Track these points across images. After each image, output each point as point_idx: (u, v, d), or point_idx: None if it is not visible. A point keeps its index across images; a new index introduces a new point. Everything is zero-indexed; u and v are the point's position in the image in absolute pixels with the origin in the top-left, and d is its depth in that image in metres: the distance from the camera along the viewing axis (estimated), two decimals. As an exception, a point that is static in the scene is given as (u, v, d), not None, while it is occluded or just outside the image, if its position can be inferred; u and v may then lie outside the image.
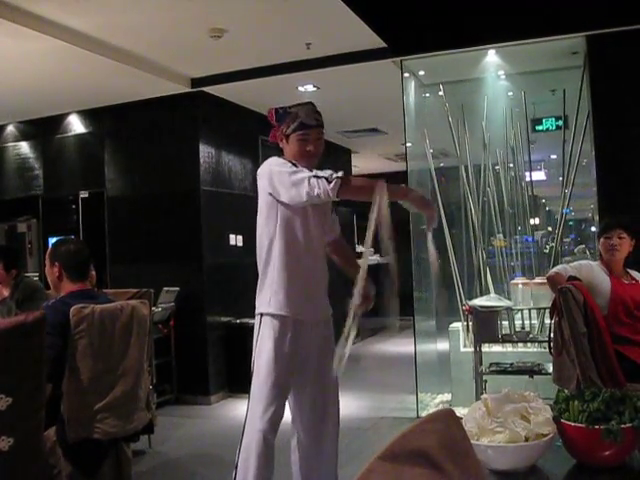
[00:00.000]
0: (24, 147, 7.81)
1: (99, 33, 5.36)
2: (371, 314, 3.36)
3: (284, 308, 3.04)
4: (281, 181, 2.96)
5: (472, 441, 1.55)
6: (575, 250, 8.86)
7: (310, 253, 3.12)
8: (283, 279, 3.05)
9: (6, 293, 4.52)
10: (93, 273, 5.09)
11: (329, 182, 2.84)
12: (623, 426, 1.67)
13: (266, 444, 2.96)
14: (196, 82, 6.73)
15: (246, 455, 2.99)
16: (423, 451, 0.78)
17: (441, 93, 6.44)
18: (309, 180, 2.86)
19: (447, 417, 0.87)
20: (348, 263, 3.45)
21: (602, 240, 4.13)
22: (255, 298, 3.16)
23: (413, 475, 0.76)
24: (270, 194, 3.03)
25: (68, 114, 7.44)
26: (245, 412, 3.08)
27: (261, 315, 3.09)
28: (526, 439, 1.71)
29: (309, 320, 3.10)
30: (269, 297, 3.07)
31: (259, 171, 3.12)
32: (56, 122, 7.52)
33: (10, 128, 7.89)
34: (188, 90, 6.74)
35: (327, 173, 2.88)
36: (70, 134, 7.50)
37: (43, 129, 7.64)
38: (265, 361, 3.02)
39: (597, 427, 1.68)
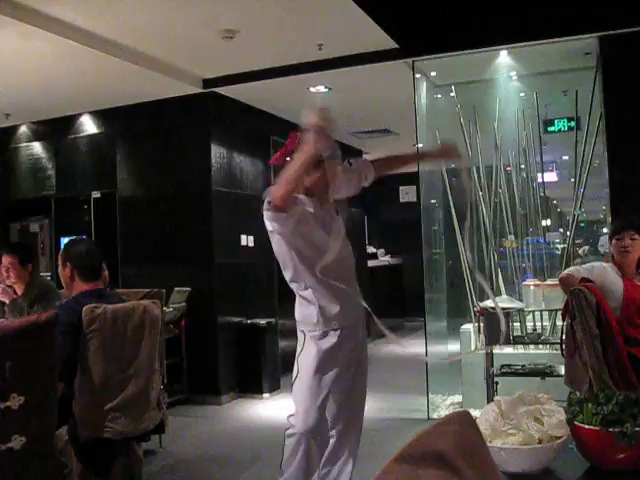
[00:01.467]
0: (37, 147, 7.85)
1: (111, 34, 5.38)
2: (380, 315, 3.34)
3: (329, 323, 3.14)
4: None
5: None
6: (580, 251, 8.83)
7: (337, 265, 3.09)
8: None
9: (19, 292, 4.53)
10: (106, 273, 5.10)
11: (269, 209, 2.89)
12: (638, 429, 1.66)
13: (308, 444, 3.08)
14: (208, 83, 6.74)
15: (288, 455, 3.12)
16: (439, 453, 0.78)
17: (453, 94, 6.43)
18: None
19: (463, 419, 0.86)
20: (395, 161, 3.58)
21: (614, 241, 4.11)
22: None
23: (429, 477, 0.75)
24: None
25: (81, 115, 7.47)
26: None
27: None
28: (539, 441, 1.70)
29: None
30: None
31: None
32: (69, 122, 7.55)
33: (23, 128, 7.93)
34: (200, 91, 6.75)
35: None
36: (82, 134, 7.53)
37: (56, 129, 7.67)
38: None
39: (611, 430, 1.67)
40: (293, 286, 3.18)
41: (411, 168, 5.84)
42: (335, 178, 3.09)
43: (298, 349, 3.18)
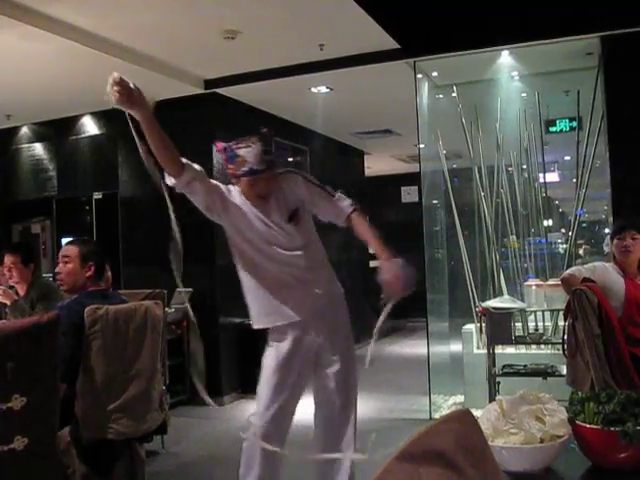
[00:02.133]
0: (38, 148, 7.85)
1: (112, 34, 5.38)
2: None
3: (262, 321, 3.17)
4: None
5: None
6: (581, 251, 8.83)
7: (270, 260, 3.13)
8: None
9: (22, 292, 4.53)
10: (109, 274, 5.11)
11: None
12: (639, 428, 1.66)
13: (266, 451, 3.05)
14: (209, 83, 6.74)
15: (245, 462, 3.28)
16: (440, 451, 0.78)
17: (454, 94, 6.43)
18: None
19: (464, 417, 0.86)
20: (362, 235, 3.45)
21: (615, 241, 4.11)
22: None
23: (430, 475, 0.75)
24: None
25: (82, 116, 7.48)
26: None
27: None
28: (541, 440, 1.70)
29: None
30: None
31: None
32: (70, 124, 7.55)
33: (24, 130, 7.94)
34: (201, 91, 6.76)
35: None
36: (84, 135, 7.53)
37: (57, 131, 7.68)
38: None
39: (613, 429, 1.67)
40: None
41: (413, 169, 5.85)
42: (267, 190, 3.06)
43: None
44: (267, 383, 3.10)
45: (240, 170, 3.01)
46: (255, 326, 3.19)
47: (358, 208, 3.18)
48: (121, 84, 2.72)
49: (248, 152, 2.99)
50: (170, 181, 3.05)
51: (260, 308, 3.17)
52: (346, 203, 3.14)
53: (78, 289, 3.33)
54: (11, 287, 4.60)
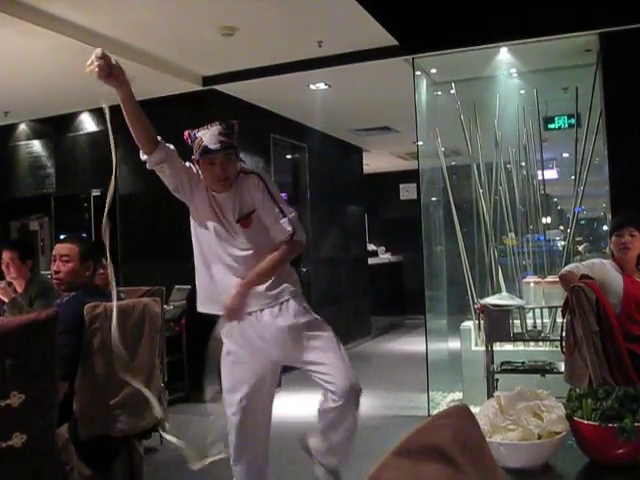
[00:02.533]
0: (36, 146, 7.85)
1: (110, 31, 5.37)
2: (380, 312, 3.32)
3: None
4: None
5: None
6: (580, 248, 8.84)
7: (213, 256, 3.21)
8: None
9: (19, 289, 4.52)
10: (108, 271, 5.10)
11: None
12: (637, 424, 1.66)
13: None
14: (207, 80, 6.74)
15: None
16: (437, 446, 0.78)
17: (453, 91, 6.43)
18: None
19: (461, 412, 0.86)
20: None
21: (614, 238, 4.11)
22: None
23: (427, 470, 0.75)
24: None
25: (80, 113, 7.47)
26: None
27: None
28: (539, 437, 1.70)
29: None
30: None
31: None
32: (68, 121, 7.55)
33: (22, 127, 7.93)
34: (199, 88, 6.75)
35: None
36: (82, 132, 7.53)
37: (55, 128, 7.67)
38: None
39: (610, 425, 1.67)
40: None
41: (411, 166, 5.83)
42: (225, 176, 3.12)
43: None
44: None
45: (197, 153, 3.12)
46: (198, 309, 3.30)
47: (290, 242, 3.10)
48: (103, 58, 2.79)
49: (205, 133, 3.12)
50: (142, 157, 3.16)
51: (203, 292, 3.29)
52: (285, 230, 3.10)
53: (75, 288, 3.32)
54: (10, 284, 4.60)
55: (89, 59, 2.81)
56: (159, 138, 3.13)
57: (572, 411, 1.78)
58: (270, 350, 3.19)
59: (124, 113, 3.03)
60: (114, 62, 2.84)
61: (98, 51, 2.80)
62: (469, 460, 0.79)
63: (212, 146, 3.06)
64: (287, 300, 3.16)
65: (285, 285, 3.17)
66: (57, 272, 3.36)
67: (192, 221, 3.29)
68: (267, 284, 3.13)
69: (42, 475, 2.76)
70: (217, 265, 3.17)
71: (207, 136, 3.10)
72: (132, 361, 3.29)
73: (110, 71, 2.84)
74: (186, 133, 3.24)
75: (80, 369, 3.08)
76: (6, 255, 4.53)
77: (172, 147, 3.17)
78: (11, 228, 8.09)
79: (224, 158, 3.11)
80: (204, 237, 3.21)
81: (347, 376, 3.04)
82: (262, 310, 3.16)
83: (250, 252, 3.13)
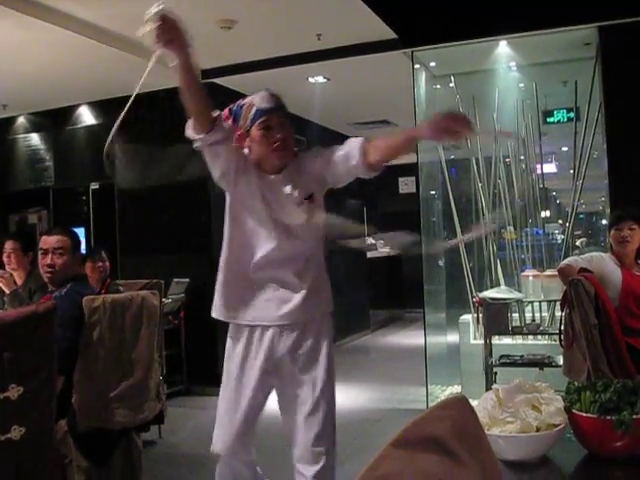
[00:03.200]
0: (35, 139, 7.84)
1: (109, 24, 5.36)
2: (379, 306, 3.24)
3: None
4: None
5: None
6: (578, 243, 8.86)
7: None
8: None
9: (19, 281, 4.52)
10: (107, 263, 5.12)
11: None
12: (635, 417, 1.66)
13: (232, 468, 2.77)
14: (206, 73, 6.71)
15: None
16: (436, 437, 0.78)
17: (452, 85, 6.42)
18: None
19: (459, 404, 0.86)
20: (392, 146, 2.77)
21: (613, 232, 4.11)
22: None
23: (426, 461, 0.75)
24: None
25: (78, 105, 7.46)
26: None
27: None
28: (537, 429, 1.70)
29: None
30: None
31: None
32: (66, 114, 7.54)
33: (21, 120, 7.92)
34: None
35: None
36: (80, 125, 7.52)
37: (53, 121, 7.66)
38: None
39: (609, 418, 1.68)
40: None
41: (410, 159, 5.84)
42: (285, 146, 2.68)
43: None
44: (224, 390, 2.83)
45: (249, 118, 2.67)
46: (219, 315, 2.80)
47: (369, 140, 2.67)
48: (164, 22, 2.37)
49: (253, 98, 2.72)
50: (193, 135, 2.61)
51: (231, 294, 2.80)
52: (356, 140, 2.70)
53: (66, 281, 3.28)
54: (10, 275, 4.61)
55: (146, 18, 2.37)
56: (215, 113, 2.62)
57: (570, 404, 1.78)
58: None
59: (181, 84, 2.56)
60: (176, 22, 2.40)
61: (157, 10, 2.36)
62: (467, 451, 0.79)
63: (266, 105, 2.66)
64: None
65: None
66: (51, 266, 3.25)
67: (228, 216, 2.78)
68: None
69: (41, 468, 2.77)
70: (257, 261, 2.72)
71: (257, 99, 2.70)
72: (131, 354, 3.29)
73: (171, 35, 2.39)
74: (225, 111, 2.76)
75: (79, 362, 3.09)
76: (9, 245, 4.53)
77: (227, 126, 2.68)
78: (10, 221, 8.09)
79: (282, 120, 2.70)
80: (245, 229, 2.73)
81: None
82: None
83: (304, 245, 2.74)
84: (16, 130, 7.96)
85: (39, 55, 5.72)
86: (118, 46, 5.62)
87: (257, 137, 2.66)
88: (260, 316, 2.72)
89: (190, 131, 2.61)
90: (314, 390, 2.70)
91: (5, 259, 4.53)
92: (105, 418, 3.11)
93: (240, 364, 2.76)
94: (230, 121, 2.73)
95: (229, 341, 2.81)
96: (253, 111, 2.66)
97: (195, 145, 2.64)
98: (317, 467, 2.63)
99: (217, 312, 2.80)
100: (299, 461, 2.69)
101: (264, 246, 2.70)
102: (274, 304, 2.71)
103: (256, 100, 2.69)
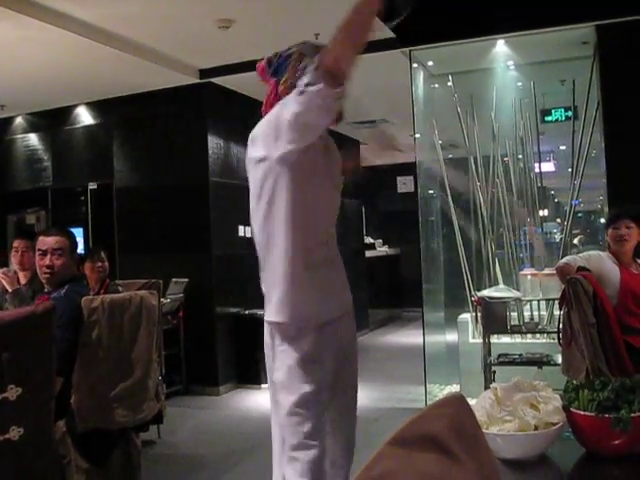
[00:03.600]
0: (33, 139, 7.83)
1: (107, 24, 5.36)
2: (378, 305, 3.14)
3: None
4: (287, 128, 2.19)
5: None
6: (575, 241, 8.88)
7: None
8: None
9: (23, 280, 4.53)
10: (106, 264, 5.12)
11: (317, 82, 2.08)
12: (633, 415, 1.67)
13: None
14: (204, 73, 6.72)
15: None
16: (433, 436, 0.78)
17: (450, 84, 6.42)
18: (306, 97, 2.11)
19: (457, 402, 0.86)
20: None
21: (610, 230, 4.10)
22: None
23: (423, 460, 0.75)
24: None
25: (76, 106, 7.46)
26: None
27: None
28: (535, 428, 1.71)
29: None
30: None
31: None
32: (64, 114, 7.54)
33: (19, 120, 7.92)
34: (196, 81, 6.74)
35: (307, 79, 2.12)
36: (79, 126, 7.51)
37: (52, 121, 7.66)
38: None
39: (607, 416, 1.68)
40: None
41: (408, 159, 5.82)
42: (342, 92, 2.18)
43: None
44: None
45: (299, 69, 2.35)
46: (301, 321, 2.33)
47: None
48: None
49: (299, 46, 2.48)
50: (335, 89, 2.11)
51: (312, 291, 2.34)
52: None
53: (63, 282, 3.28)
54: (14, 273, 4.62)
55: None
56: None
57: (569, 402, 1.78)
58: None
59: (363, 30, 2.22)
60: None
61: None
62: (464, 449, 0.79)
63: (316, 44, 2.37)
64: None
65: None
66: (50, 267, 3.22)
67: (292, 197, 2.26)
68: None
69: (39, 468, 2.77)
70: (328, 241, 2.42)
71: (306, 47, 2.48)
72: (130, 354, 3.29)
73: None
74: (261, 64, 2.54)
75: (78, 362, 3.09)
76: (22, 244, 4.52)
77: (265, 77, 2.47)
78: (8, 222, 8.08)
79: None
80: (313, 216, 2.33)
81: None
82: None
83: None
84: (14, 130, 7.95)
85: (37, 55, 5.71)
86: (116, 46, 5.62)
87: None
88: (343, 304, 2.45)
89: (326, 84, 2.09)
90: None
91: (15, 258, 4.53)
92: (104, 418, 3.11)
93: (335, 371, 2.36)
94: (266, 74, 2.50)
95: (312, 346, 2.31)
96: (304, 63, 2.35)
97: (324, 98, 2.10)
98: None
99: (308, 314, 2.34)
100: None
101: (330, 219, 2.45)
102: (346, 287, 2.50)
103: (305, 49, 2.44)
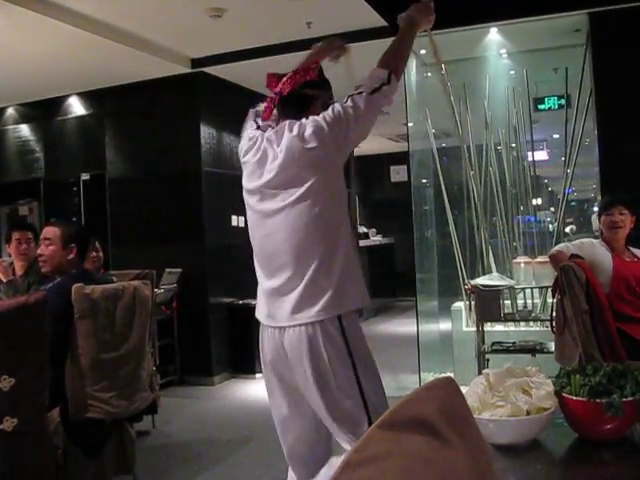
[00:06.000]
0: (24, 130, 7.80)
1: (98, 14, 5.33)
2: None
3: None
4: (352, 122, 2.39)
5: (474, 415, 1.55)
6: (567, 230, 8.91)
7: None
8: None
9: (20, 271, 4.53)
10: (101, 254, 5.11)
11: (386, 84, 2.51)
12: (624, 400, 1.67)
13: None
14: (196, 62, 6.70)
15: None
16: (422, 418, 0.78)
17: (443, 72, 6.40)
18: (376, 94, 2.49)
19: (446, 385, 0.86)
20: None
21: (603, 217, 4.10)
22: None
23: (412, 442, 0.75)
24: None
25: (68, 96, 7.43)
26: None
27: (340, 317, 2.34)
28: (528, 413, 1.71)
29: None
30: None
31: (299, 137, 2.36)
32: (56, 104, 7.50)
33: (10, 111, 7.88)
34: (188, 71, 6.72)
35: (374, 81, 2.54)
36: (70, 116, 7.48)
37: (43, 111, 7.62)
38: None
39: (599, 401, 1.68)
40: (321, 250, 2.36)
41: (401, 148, 5.81)
42: None
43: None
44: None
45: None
46: (355, 306, 2.43)
47: None
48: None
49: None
50: (393, 89, 2.58)
51: (359, 282, 2.50)
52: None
53: (61, 271, 3.29)
54: (10, 264, 4.62)
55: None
56: None
57: (561, 387, 1.78)
58: None
59: (409, 41, 2.89)
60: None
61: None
62: (454, 432, 0.79)
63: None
64: None
65: None
66: (40, 255, 3.33)
67: (327, 197, 2.38)
68: None
69: (33, 458, 2.77)
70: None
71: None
72: (123, 344, 3.28)
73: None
74: (315, 68, 2.75)
75: (70, 352, 3.08)
76: (25, 235, 4.55)
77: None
78: (0, 213, 8.06)
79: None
80: (342, 203, 2.49)
81: None
82: None
83: None
84: (5, 121, 7.92)
85: (28, 45, 5.68)
86: (107, 36, 5.59)
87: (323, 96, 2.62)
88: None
89: (389, 83, 2.58)
90: None
91: (16, 248, 4.53)
92: (97, 409, 3.11)
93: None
94: (315, 78, 2.67)
95: (358, 331, 2.42)
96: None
97: (387, 98, 2.57)
98: None
99: (360, 301, 2.46)
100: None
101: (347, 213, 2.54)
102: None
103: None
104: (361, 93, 2.46)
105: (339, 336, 2.31)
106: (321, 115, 2.39)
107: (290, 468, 2.56)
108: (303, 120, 2.39)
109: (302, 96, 2.55)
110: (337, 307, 2.33)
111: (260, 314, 2.51)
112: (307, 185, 2.32)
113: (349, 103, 2.42)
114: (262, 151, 2.46)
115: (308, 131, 2.33)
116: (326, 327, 2.31)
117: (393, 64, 2.58)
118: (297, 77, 2.62)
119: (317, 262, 2.32)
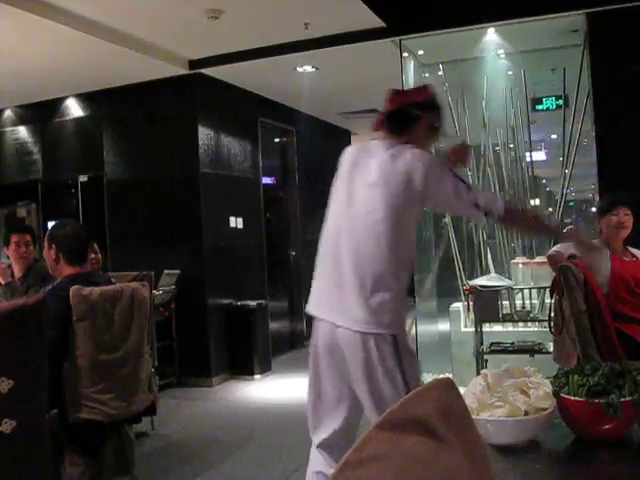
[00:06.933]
0: (22, 131, 7.79)
1: (96, 15, 5.33)
2: None
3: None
4: (457, 192, 2.54)
5: (472, 416, 1.55)
6: (565, 231, 8.93)
7: None
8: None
9: (18, 274, 4.53)
10: (99, 255, 5.12)
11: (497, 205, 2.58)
12: (623, 400, 1.67)
13: None
14: (194, 64, 6.70)
15: None
16: (421, 419, 0.78)
17: (440, 73, 6.41)
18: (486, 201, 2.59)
19: (445, 386, 0.86)
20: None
21: (608, 217, 4.05)
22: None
23: (410, 443, 0.75)
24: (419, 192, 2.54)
25: (66, 98, 7.42)
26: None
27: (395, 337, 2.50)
28: (526, 413, 1.71)
29: None
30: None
31: (410, 164, 2.54)
32: (54, 106, 7.50)
33: (8, 112, 7.87)
34: (186, 72, 6.72)
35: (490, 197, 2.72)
36: (68, 118, 7.48)
37: (41, 113, 7.62)
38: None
39: (597, 401, 1.68)
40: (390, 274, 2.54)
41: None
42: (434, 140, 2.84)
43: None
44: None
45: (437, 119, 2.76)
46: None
47: None
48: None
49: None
50: (481, 218, 2.67)
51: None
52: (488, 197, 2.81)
53: (56, 273, 3.31)
54: (9, 266, 4.63)
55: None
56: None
57: (559, 387, 1.78)
58: None
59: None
60: None
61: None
62: (452, 432, 0.79)
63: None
64: None
65: None
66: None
67: (411, 222, 2.64)
68: None
69: (32, 461, 2.76)
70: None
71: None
72: (121, 346, 3.28)
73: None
74: (429, 89, 2.82)
75: (69, 354, 3.08)
76: (24, 238, 4.59)
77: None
78: (-2, 215, 8.07)
79: None
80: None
81: None
82: None
83: None
84: (3, 123, 7.91)
85: (26, 47, 5.68)
86: (105, 37, 5.59)
87: (433, 136, 2.81)
88: None
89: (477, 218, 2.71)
90: None
91: (16, 251, 4.54)
92: (96, 410, 3.10)
93: None
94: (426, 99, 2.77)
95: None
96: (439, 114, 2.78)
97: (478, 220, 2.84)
98: None
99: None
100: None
101: None
102: None
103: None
104: (476, 198, 2.58)
105: (394, 353, 2.48)
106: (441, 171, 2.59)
107: (315, 450, 2.69)
108: (415, 153, 2.56)
109: (406, 115, 2.70)
110: (395, 327, 2.50)
111: (316, 309, 2.69)
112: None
113: (465, 193, 2.56)
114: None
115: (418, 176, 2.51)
116: (385, 341, 2.48)
117: (495, 209, 2.59)
118: (406, 96, 2.79)
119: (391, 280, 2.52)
